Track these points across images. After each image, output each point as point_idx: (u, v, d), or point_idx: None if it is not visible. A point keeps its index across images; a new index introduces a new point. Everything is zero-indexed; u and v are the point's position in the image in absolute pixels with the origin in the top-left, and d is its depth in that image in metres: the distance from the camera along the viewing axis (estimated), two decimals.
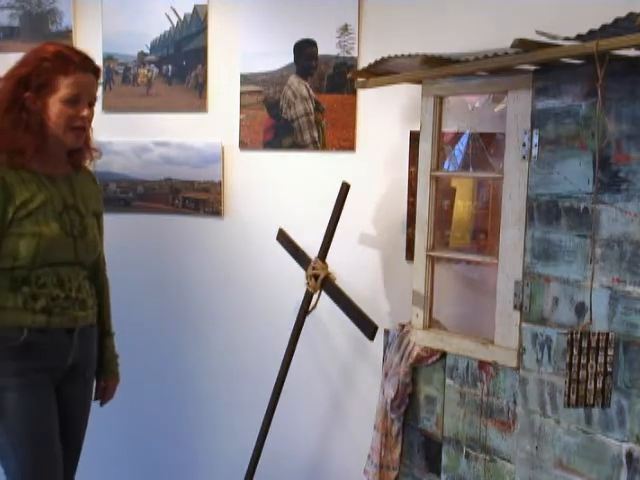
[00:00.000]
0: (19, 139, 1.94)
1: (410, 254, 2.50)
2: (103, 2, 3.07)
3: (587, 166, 1.78)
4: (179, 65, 2.99)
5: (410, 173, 2.56)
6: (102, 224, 2.23)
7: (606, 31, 1.55)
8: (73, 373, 2.09)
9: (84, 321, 2.08)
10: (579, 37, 1.63)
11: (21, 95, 1.94)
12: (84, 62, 1.98)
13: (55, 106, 1.95)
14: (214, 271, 2.99)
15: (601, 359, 1.67)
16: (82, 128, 2.00)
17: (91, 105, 2.02)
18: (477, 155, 2.38)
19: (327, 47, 2.73)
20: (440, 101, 2.18)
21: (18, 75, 1.96)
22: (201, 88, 2.96)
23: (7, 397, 1.96)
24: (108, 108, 3.06)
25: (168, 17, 2.99)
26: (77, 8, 3.14)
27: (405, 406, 2.28)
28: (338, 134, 2.74)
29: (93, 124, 2.09)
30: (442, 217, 2.35)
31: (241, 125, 2.91)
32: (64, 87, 1.94)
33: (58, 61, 1.94)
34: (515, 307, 1.96)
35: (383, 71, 2.28)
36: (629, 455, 1.71)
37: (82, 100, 1.97)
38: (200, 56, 2.95)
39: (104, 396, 2.28)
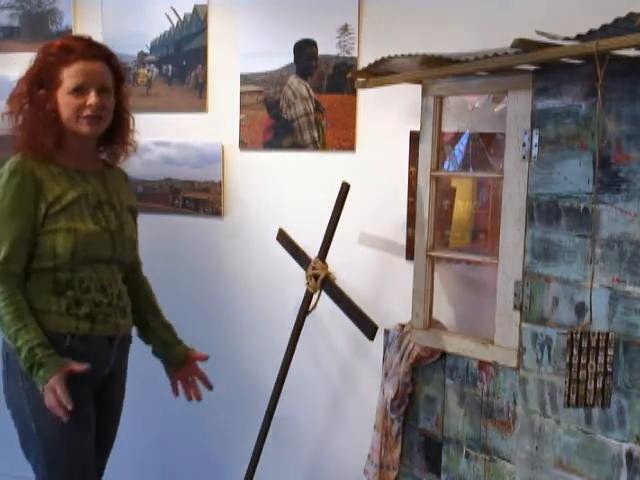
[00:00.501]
0: (38, 137, 1.94)
1: (410, 254, 2.50)
2: (103, 2, 3.07)
3: (587, 166, 1.78)
4: (179, 65, 2.99)
5: (410, 173, 2.56)
6: (136, 222, 2.20)
7: (606, 31, 1.55)
8: (110, 381, 2.07)
9: (125, 329, 2.06)
10: (579, 37, 1.63)
11: (36, 93, 1.94)
12: (87, 50, 1.94)
13: (63, 99, 1.93)
14: (214, 271, 2.99)
15: (601, 359, 1.67)
16: (94, 117, 1.95)
17: (104, 92, 1.96)
18: (477, 155, 2.38)
19: (327, 47, 2.72)
20: (440, 101, 2.18)
21: (31, 74, 1.96)
22: (201, 88, 2.96)
23: (43, 407, 1.89)
24: None
25: (168, 17, 2.99)
26: (77, 8, 3.14)
27: (405, 406, 2.28)
28: (338, 134, 2.74)
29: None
30: (442, 217, 2.35)
31: (241, 125, 2.91)
32: (68, 78, 1.91)
33: (60, 53, 1.93)
34: (515, 307, 1.96)
35: (383, 71, 2.28)
36: (629, 455, 1.71)
37: (88, 88, 1.92)
38: (200, 56, 2.95)
39: (190, 385, 2.21)
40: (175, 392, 2.23)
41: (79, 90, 1.92)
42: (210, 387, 2.22)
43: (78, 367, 1.87)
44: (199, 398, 2.23)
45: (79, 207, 1.95)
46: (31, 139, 1.94)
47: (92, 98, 1.92)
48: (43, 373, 1.84)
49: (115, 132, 2.07)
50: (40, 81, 1.94)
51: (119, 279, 2.06)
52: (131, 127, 2.12)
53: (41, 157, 1.94)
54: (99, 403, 2.05)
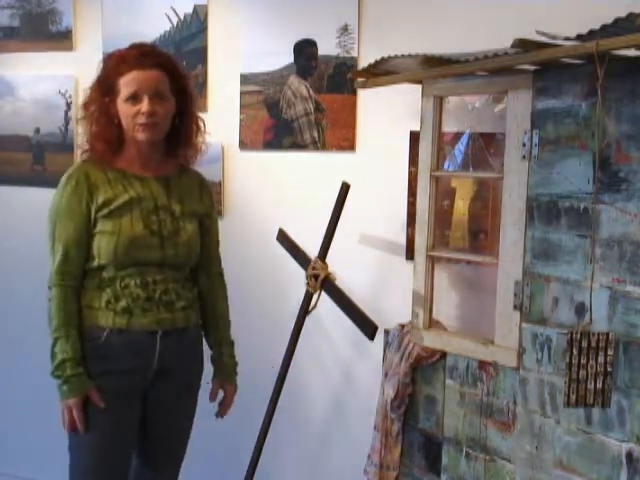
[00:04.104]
0: (94, 142, 2.03)
1: (410, 254, 2.50)
2: (103, 2, 3.07)
3: (587, 166, 1.78)
4: None
5: (410, 173, 2.56)
6: (213, 226, 2.23)
7: (606, 31, 1.55)
8: (162, 376, 2.09)
9: (171, 324, 2.07)
10: (579, 37, 1.63)
11: (102, 100, 2.02)
12: (140, 59, 1.99)
13: (121, 107, 1.99)
14: None
15: (601, 359, 1.67)
16: (148, 124, 1.99)
17: (160, 99, 1.99)
18: (477, 155, 2.38)
19: (327, 47, 2.73)
20: (440, 101, 2.18)
21: (97, 83, 2.05)
22: (201, 88, 2.96)
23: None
24: None
25: (168, 17, 2.99)
26: (77, 8, 3.15)
27: (405, 406, 2.28)
28: (338, 134, 2.74)
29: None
30: (442, 217, 2.35)
31: (241, 125, 2.91)
32: (123, 87, 1.98)
33: (117, 64, 2.00)
34: (515, 307, 1.96)
35: (383, 71, 2.28)
36: (629, 455, 1.71)
37: (142, 96, 1.97)
38: (200, 56, 2.95)
39: (221, 405, 2.31)
40: (210, 398, 2.32)
41: (133, 98, 1.98)
42: (220, 414, 2.35)
43: (97, 400, 1.99)
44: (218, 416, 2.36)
45: (130, 210, 2.01)
46: (89, 143, 2.06)
47: (145, 105, 1.97)
48: (66, 389, 1.97)
49: (181, 134, 2.12)
50: (104, 89, 2.02)
51: (170, 277, 2.07)
52: (201, 129, 2.18)
53: (99, 162, 2.03)
54: (150, 400, 2.11)
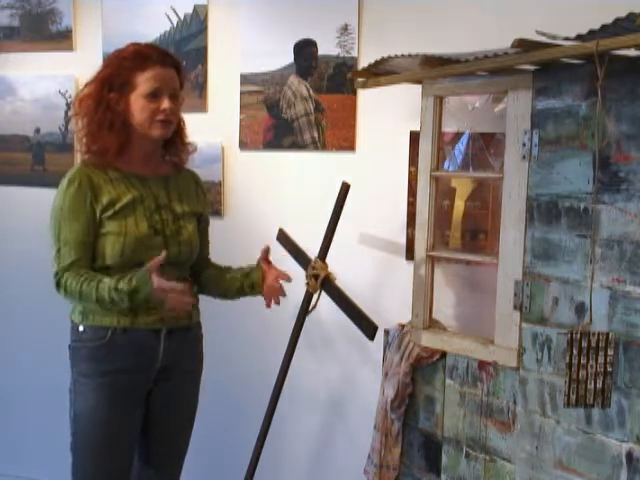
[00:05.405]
0: (104, 139, 1.99)
1: (410, 254, 2.50)
2: (103, 2, 3.07)
3: (587, 166, 1.78)
4: None
5: (410, 173, 2.56)
6: (206, 227, 2.25)
7: (606, 31, 1.55)
8: (164, 375, 2.09)
9: (174, 322, 2.08)
10: (579, 37, 1.63)
11: (106, 96, 1.99)
12: (161, 57, 2.00)
13: (137, 102, 1.97)
14: None
15: (601, 359, 1.67)
16: (167, 121, 2.00)
17: (174, 98, 2.01)
18: (477, 155, 2.38)
19: (327, 47, 2.73)
20: (440, 101, 2.18)
21: (101, 77, 2.01)
22: (201, 88, 2.96)
23: (83, 398, 2.02)
24: None
25: (168, 17, 2.99)
26: (77, 8, 3.15)
27: (405, 406, 2.28)
28: (338, 134, 2.74)
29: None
30: (442, 217, 2.35)
31: (241, 125, 2.91)
32: (143, 82, 1.96)
33: (136, 59, 1.98)
34: (515, 307, 1.96)
35: (383, 71, 2.28)
36: (629, 455, 1.71)
37: (163, 93, 1.98)
38: (200, 56, 2.95)
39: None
40: (269, 304, 2.25)
41: (154, 95, 1.97)
42: (290, 279, 2.23)
43: (159, 258, 1.90)
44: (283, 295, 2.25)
45: (133, 210, 2.01)
46: (95, 143, 2.01)
47: (166, 103, 1.98)
48: (142, 293, 1.89)
49: (175, 135, 2.12)
50: (111, 85, 1.99)
51: (175, 279, 2.05)
52: (184, 129, 2.18)
53: (101, 162, 2.01)
54: (153, 401, 2.11)
